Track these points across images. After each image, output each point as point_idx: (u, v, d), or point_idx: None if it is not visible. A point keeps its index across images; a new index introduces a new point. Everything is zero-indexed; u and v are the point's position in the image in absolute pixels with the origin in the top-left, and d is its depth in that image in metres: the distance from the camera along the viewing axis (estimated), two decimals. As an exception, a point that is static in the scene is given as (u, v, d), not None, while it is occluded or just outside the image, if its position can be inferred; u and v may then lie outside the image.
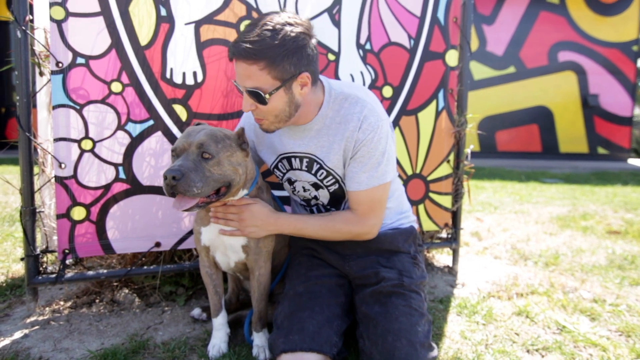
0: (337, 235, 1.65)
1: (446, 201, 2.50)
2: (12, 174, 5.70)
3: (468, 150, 2.55)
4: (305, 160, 1.66)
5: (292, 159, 1.68)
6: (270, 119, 1.50)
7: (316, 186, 1.70)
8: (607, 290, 2.37)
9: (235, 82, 1.49)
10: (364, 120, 1.55)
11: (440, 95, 2.40)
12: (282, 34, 1.38)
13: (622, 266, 2.76)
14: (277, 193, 1.92)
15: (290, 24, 1.41)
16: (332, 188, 1.68)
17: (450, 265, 2.65)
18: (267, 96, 1.42)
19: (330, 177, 1.66)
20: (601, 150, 10.45)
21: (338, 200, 1.73)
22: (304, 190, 1.73)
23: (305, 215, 1.68)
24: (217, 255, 1.68)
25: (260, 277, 1.68)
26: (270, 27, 1.39)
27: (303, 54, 1.42)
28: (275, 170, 1.76)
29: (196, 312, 1.93)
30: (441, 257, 2.85)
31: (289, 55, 1.39)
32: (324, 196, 1.72)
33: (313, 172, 1.66)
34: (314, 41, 1.48)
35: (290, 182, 1.75)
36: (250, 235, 1.59)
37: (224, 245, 1.65)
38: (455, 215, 2.55)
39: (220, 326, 1.70)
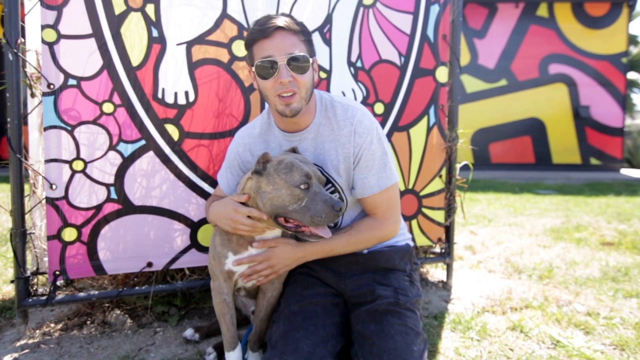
0: (365, 244, 1.68)
1: (439, 216, 2.50)
2: (5, 192, 5.67)
3: (460, 165, 2.58)
4: None
5: None
6: (303, 93, 1.53)
7: None
8: (601, 303, 2.37)
9: (267, 60, 1.48)
10: (357, 125, 1.59)
11: (431, 111, 2.42)
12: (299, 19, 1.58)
13: (615, 278, 2.77)
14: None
15: None
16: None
17: (445, 280, 2.65)
18: (311, 59, 1.53)
19: (330, 185, 1.67)
20: (594, 161, 10.53)
21: None
22: None
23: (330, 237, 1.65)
24: (241, 279, 1.63)
25: (272, 298, 1.67)
26: (288, 15, 1.57)
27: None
28: None
29: (189, 332, 1.91)
30: (435, 272, 2.84)
31: (311, 35, 1.58)
32: None
33: None
34: None
35: None
36: (284, 271, 1.64)
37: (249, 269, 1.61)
38: (449, 230, 2.55)
39: None
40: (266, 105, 2.01)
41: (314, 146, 1.65)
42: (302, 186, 1.40)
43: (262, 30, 1.49)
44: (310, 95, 1.59)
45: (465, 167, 2.66)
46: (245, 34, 2.03)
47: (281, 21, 1.49)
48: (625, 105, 10.75)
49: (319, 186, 1.43)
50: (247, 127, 1.81)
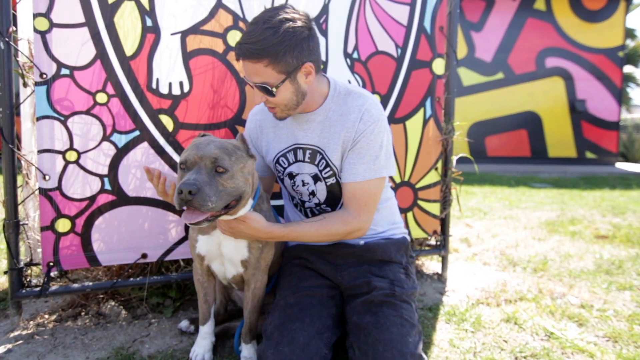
0: (333, 237, 1.65)
1: (435, 208, 2.50)
2: (-1, 183, 5.63)
3: (454, 158, 2.57)
4: (308, 151, 1.69)
5: (298, 151, 1.71)
6: (281, 107, 1.58)
7: (316, 178, 1.71)
8: (594, 296, 2.38)
9: (245, 78, 1.56)
10: (365, 112, 1.60)
11: (428, 103, 2.41)
12: (282, 31, 1.45)
13: (609, 271, 2.78)
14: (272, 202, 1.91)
15: (289, 20, 1.48)
16: (329, 181, 1.70)
17: (440, 272, 2.65)
18: (274, 89, 1.51)
19: (329, 169, 1.68)
20: (589, 155, 10.57)
21: (334, 199, 1.73)
22: (303, 185, 1.74)
23: (299, 223, 1.65)
24: (214, 265, 1.67)
25: (256, 290, 1.66)
26: (271, 26, 1.46)
27: (304, 46, 1.50)
28: (277, 165, 1.77)
29: (184, 324, 1.91)
30: (430, 264, 2.85)
31: (290, 50, 1.47)
32: (321, 190, 1.73)
33: (316, 162, 1.69)
34: (313, 32, 1.54)
35: (291, 176, 1.75)
36: (240, 238, 1.57)
37: (221, 257, 1.63)
38: (444, 223, 2.56)
39: (206, 335, 1.69)
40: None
41: (320, 129, 1.66)
42: (181, 166, 1.42)
43: (235, 53, 1.52)
44: (298, 103, 1.58)
45: (462, 160, 2.65)
46: (240, 24, 2.01)
47: (246, 47, 1.45)
48: (621, 99, 10.78)
49: (197, 171, 1.35)
50: (262, 104, 1.82)
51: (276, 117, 1.64)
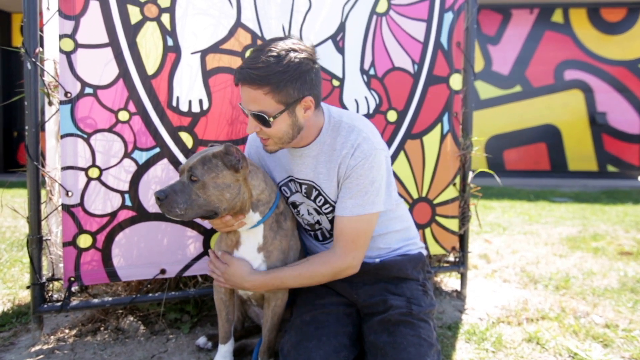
0: (319, 278, 1.62)
1: (453, 224, 2.48)
2: (23, 197, 5.75)
3: (475, 172, 2.54)
4: (304, 186, 1.67)
5: (295, 183, 1.70)
6: (274, 140, 1.53)
7: (317, 211, 1.71)
8: (619, 315, 2.31)
9: (241, 105, 1.53)
10: (357, 148, 1.55)
11: (445, 118, 2.40)
12: (286, 60, 1.42)
13: (634, 289, 2.71)
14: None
15: (295, 50, 1.45)
16: (330, 216, 1.68)
17: (459, 289, 2.61)
18: (271, 119, 1.46)
19: (328, 205, 1.66)
20: (611, 168, 10.35)
21: None
22: (308, 214, 1.74)
23: (281, 269, 1.62)
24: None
25: (277, 307, 1.66)
26: (275, 54, 1.42)
27: (306, 78, 1.46)
28: (283, 188, 1.77)
29: (201, 341, 1.91)
30: (449, 281, 2.81)
31: (292, 80, 1.43)
32: (325, 222, 1.72)
33: (312, 198, 1.67)
34: (317, 66, 1.51)
35: (295, 205, 1.75)
36: (232, 283, 1.63)
37: None
38: (463, 239, 2.52)
39: (226, 354, 1.70)
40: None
41: (314, 164, 1.63)
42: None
43: (235, 77, 1.48)
44: (292, 137, 1.54)
45: (480, 174, 2.63)
46: (258, 42, 2.04)
47: (248, 72, 1.42)
48: (643, 111, 10.55)
49: (179, 179, 1.47)
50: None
51: (266, 150, 1.58)
